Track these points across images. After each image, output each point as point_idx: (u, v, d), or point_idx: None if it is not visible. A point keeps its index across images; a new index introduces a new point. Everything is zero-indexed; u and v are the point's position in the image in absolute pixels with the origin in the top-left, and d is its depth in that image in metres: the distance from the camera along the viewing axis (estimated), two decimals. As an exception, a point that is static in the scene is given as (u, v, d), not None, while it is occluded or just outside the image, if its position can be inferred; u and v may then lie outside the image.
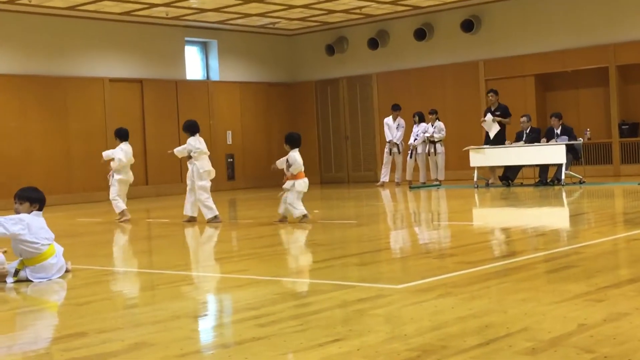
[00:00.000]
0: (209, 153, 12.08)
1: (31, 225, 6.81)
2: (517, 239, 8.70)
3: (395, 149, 19.69)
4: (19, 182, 17.27)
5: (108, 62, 20.14)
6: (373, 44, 22.04)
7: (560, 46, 19.35)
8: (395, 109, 19.75)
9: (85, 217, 14.61)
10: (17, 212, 6.93)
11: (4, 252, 6.95)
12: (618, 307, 4.65)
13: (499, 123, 17.00)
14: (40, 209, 6.99)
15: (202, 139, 12.06)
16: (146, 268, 8.01)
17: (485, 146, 16.91)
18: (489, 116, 17.12)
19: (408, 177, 19.37)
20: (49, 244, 6.89)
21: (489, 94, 17.65)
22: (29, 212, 6.91)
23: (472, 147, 17.05)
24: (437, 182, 18.63)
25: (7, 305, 6.14)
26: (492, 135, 17.01)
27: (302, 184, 11.00)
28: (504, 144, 16.72)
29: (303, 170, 11.08)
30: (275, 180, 21.98)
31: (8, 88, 18.32)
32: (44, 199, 7.05)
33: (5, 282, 6.72)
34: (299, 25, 22.48)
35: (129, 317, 5.23)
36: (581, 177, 16.28)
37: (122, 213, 13.00)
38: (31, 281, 6.75)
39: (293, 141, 11.16)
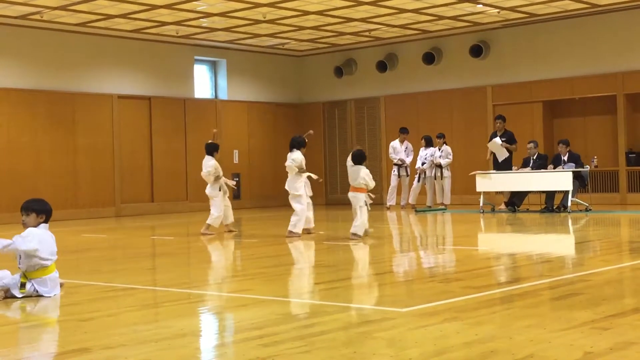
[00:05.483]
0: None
1: (42, 240, 6.80)
2: (522, 265, 8.67)
3: (404, 172, 19.63)
4: (28, 196, 17.38)
5: (117, 78, 20.23)
6: (382, 66, 22.10)
7: (568, 73, 19.37)
8: (404, 132, 19.72)
9: (91, 232, 14.61)
10: (24, 224, 6.88)
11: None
12: (624, 336, 4.63)
13: (507, 149, 16.98)
14: (46, 221, 6.93)
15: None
16: (151, 285, 8.00)
17: (492, 171, 16.90)
18: (498, 139, 17.08)
19: (412, 200, 19.33)
20: (55, 259, 6.89)
21: (497, 120, 17.62)
22: (36, 224, 6.85)
23: (479, 172, 17.05)
24: (443, 206, 18.60)
25: (11, 320, 6.14)
26: (500, 159, 16.98)
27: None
28: (510, 169, 16.72)
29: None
30: (281, 200, 22.03)
31: (18, 102, 18.42)
32: (50, 211, 7.00)
33: (15, 296, 6.65)
34: (308, 47, 22.56)
35: (133, 334, 5.21)
36: (587, 204, 16.24)
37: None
38: (39, 295, 6.73)
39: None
